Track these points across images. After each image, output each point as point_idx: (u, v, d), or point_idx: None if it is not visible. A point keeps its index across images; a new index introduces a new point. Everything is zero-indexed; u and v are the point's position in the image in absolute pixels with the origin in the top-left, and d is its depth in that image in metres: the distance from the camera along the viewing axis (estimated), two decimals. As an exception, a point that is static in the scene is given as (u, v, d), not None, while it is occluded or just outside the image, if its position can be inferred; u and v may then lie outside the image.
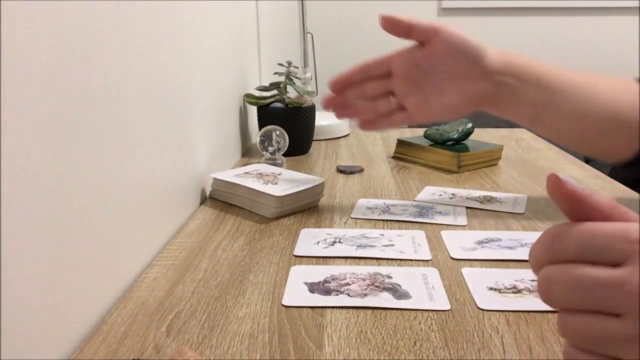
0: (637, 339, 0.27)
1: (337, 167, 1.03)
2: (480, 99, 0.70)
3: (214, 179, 0.84)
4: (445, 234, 0.70)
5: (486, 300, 0.53)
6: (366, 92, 0.73)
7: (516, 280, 0.57)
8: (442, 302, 0.53)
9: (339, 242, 0.67)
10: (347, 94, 0.74)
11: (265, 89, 1.15)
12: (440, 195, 0.86)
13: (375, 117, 0.74)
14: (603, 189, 0.90)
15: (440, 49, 0.68)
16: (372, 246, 0.66)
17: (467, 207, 0.80)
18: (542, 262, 0.31)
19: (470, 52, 0.67)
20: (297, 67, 1.17)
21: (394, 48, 0.71)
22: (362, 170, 1.01)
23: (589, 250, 0.29)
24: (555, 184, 0.31)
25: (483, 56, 0.68)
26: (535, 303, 0.52)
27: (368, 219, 0.76)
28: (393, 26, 0.68)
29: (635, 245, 0.28)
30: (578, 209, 0.31)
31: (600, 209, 0.30)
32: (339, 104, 0.74)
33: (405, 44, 0.70)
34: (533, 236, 0.69)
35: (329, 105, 0.74)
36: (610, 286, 0.28)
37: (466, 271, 0.59)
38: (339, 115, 0.75)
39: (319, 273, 0.59)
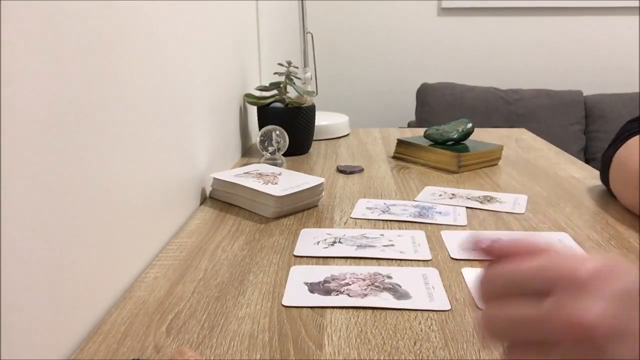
0: None
1: (337, 167, 1.03)
2: None
3: (214, 179, 0.84)
4: (445, 234, 0.70)
5: (486, 300, 0.53)
6: None
7: (516, 281, 0.57)
8: (442, 302, 0.53)
9: (339, 242, 0.67)
10: None
11: (265, 89, 1.15)
12: (440, 195, 0.86)
13: None
14: (603, 188, 0.90)
15: None
16: (372, 246, 0.66)
17: (467, 207, 0.80)
18: (485, 301, 0.32)
19: None
20: (297, 67, 1.17)
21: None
22: (362, 170, 1.01)
23: (516, 285, 0.30)
24: (475, 245, 0.32)
25: None
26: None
27: (368, 219, 0.76)
28: None
29: (557, 274, 0.28)
30: (500, 259, 0.32)
31: (519, 253, 0.31)
32: None
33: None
34: (533, 236, 0.69)
35: None
36: (538, 322, 0.28)
37: (466, 271, 0.59)
38: None
39: (319, 273, 0.59)
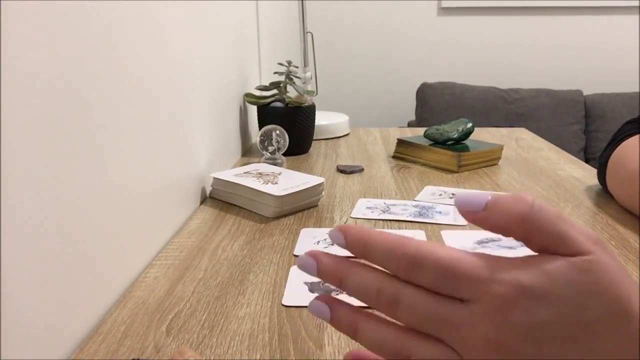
0: None
1: (337, 167, 1.03)
2: None
3: (214, 178, 0.84)
4: (445, 234, 0.70)
5: (486, 300, 0.53)
6: None
7: (516, 280, 0.57)
8: (442, 302, 0.52)
9: (339, 241, 0.67)
10: None
11: (265, 88, 1.15)
12: (440, 194, 0.86)
13: None
14: (602, 189, 0.89)
15: None
16: (372, 246, 0.66)
17: (467, 207, 0.80)
18: (392, 270, 0.32)
19: None
20: (297, 67, 1.17)
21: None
22: (362, 170, 1.01)
23: (443, 283, 0.29)
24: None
25: None
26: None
27: (368, 219, 0.76)
28: None
29: (483, 287, 0.28)
30: None
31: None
32: None
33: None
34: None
35: None
36: (448, 325, 0.28)
37: (466, 271, 0.59)
38: None
39: (319, 273, 0.59)
